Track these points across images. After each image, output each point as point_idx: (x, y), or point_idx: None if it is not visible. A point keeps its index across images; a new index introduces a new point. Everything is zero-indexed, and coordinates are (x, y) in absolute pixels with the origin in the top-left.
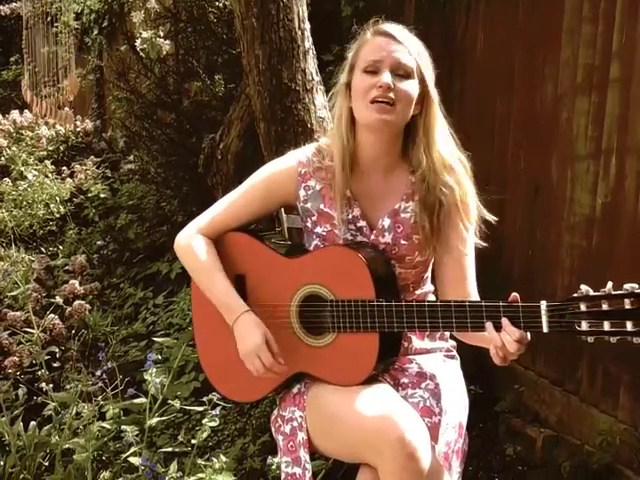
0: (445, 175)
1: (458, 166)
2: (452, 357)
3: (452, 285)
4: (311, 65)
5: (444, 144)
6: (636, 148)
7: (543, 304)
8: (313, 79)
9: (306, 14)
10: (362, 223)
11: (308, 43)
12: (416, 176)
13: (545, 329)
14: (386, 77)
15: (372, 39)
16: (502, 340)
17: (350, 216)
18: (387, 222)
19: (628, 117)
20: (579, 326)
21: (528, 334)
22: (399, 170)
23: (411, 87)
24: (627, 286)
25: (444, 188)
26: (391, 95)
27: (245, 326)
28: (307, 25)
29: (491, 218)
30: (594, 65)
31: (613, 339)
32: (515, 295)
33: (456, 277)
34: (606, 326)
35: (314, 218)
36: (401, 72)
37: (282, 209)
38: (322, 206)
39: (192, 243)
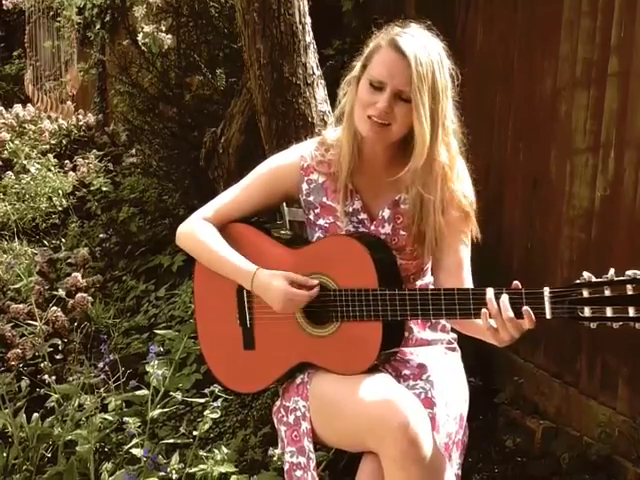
0: (432, 170)
1: (457, 167)
2: (453, 349)
3: (449, 274)
4: (312, 59)
5: (443, 150)
6: (634, 141)
7: (546, 290)
8: (314, 73)
9: (307, 8)
10: (363, 216)
11: (309, 37)
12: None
13: (548, 315)
14: (384, 102)
15: (385, 50)
16: (501, 317)
17: (351, 209)
18: (387, 213)
19: (627, 111)
20: (582, 312)
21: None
22: (400, 164)
23: (409, 111)
24: (629, 272)
25: (431, 192)
26: (387, 117)
27: (265, 281)
28: (308, 19)
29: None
30: (593, 59)
31: (615, 325)
32: (516, 283)
33: (453, 266)
34: (608, 312)
35: (317, 211)
36: (403, 96)
37: (284, 202)
38: (325, 199)
39: (194, 227)
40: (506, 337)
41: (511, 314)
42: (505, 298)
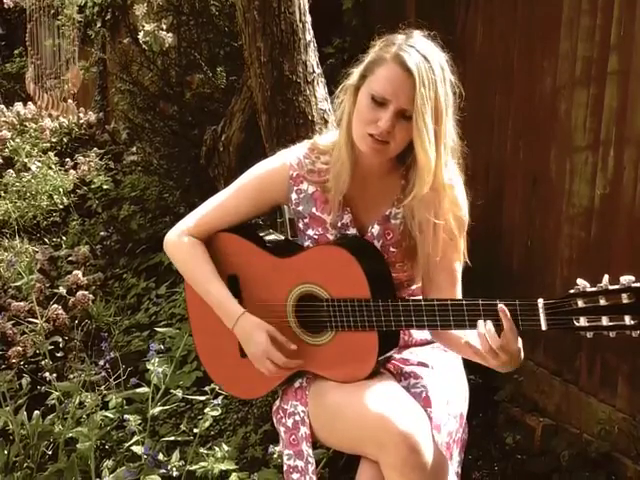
0: (437, 194)
1: (456, 187)
2: None
3: (440, 289)
4: (312, 57)
5: (442, 165)
6: (634, 139)
7: (540, 302)
8: (314, 71)
9: (307, 7)
10: (352, 231)
11: (309, 35)
12: (406, 191)
13: (544, 327)
14: (387, 121)
15: (390, 65)
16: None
17: (340, 223)
18: (377, 229)
19: (626, 109)
20: (577, 322)
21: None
22: (392, 173)
23: (410, 130)
24: (624, 280)
25: (430, 208)
26: (388, 136)
27: (246, 330)
28: (308, 18)
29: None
30: (592, 58)
31: (612, 334)
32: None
33: (445, 284)
34: (604, 321)
35: (306, 220)
36: (406, 114)
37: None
38: (314, 210)
39: (182, 245)
40: (494, 362)
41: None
42: (490, 324)
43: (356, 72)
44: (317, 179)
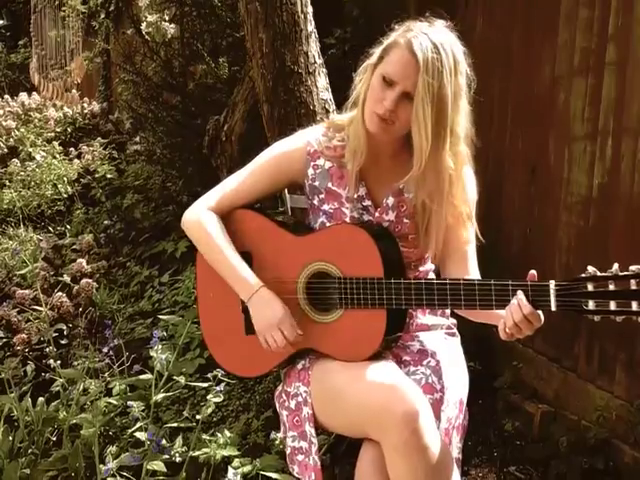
0: (437, 179)
1: (463, 175)
2: (453, 335)
3: (454, 261)
4: (313, 48)
5: (450, 159)
6: (632, 129)
7: (552, 283)
8: (315, 62)
9: None
10: (367, 202)
11: (310, 26)
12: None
13: (553, 307)
14: (390, 101)
15: (401, 49)
16: (512, 315)
17: (355, 195)
18: (391, 200)
19: (624, 99)
20: (586, 305)
21: (541, 314)
22: (404, 151)
23: (413, 111)
24: (633, 267)
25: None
26: (391, 116)
27: (264, 301)
28: (309, 9)
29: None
30: (591, 48)
31: (619, 318)
32: (533, 273)
33: (458, 254)
34: (612, 306)
35: (322, 196)
36: (411, 97)
37: (285, 189)
38: (330, 184)
39: (201, 219)
40: (517, 334)
41: (530, 309)
42: (521, 294)
43: (376, 52)
44: (333, 154)
